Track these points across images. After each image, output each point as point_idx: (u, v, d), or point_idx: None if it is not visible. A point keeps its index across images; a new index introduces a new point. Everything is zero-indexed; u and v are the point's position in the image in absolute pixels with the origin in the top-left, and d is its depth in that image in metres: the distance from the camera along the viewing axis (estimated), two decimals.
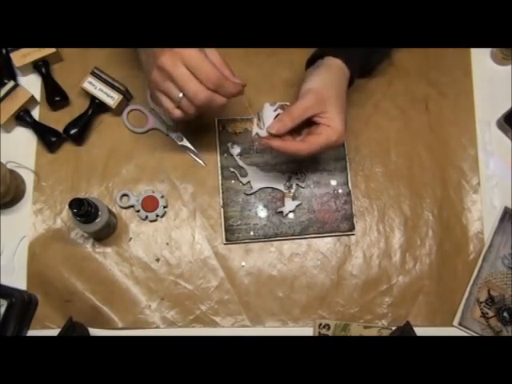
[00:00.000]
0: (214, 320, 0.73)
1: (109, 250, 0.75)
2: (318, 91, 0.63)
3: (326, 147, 0.63)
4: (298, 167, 0.77)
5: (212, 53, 0.59)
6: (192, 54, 0.56)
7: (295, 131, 0.65)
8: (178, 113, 0.61)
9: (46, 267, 0.73)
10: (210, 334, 0.73)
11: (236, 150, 0.77)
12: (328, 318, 0.74)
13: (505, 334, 0.73)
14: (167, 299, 0.74)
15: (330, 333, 0.73)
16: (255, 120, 0.65)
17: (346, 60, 0.66)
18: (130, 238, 0.75)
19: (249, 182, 0.76)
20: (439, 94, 0.81)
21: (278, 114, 0.64)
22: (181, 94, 0.58)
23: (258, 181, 0.76)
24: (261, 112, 0.65)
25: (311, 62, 0.69)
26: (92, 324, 0.72)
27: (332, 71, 0.65)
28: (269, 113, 0.65)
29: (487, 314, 0.74)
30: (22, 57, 0.76)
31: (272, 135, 0.63)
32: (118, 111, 0.77)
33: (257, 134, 0.64)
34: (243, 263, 0.75)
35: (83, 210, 0.63)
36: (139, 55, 0.62)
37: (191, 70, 0.57)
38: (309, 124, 0.64)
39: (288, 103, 0.66)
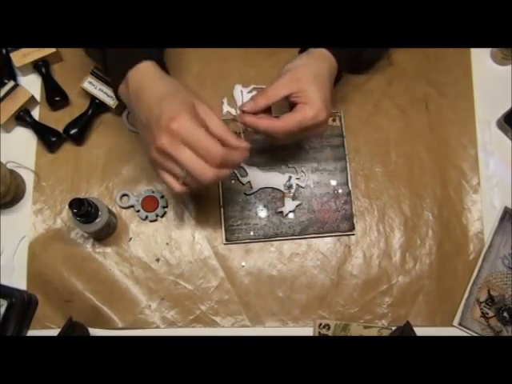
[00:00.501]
0: (214, 320, 0.73)
1: (109, 250, 0.75)
2: (294, 70, 0.63)
3: (304, 124, 0.62)
4: (298, 167, 0.77)
5: (210, 118, 0.55)
6: (191, 131, 0.53)
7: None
8: (182, 189, 0.57)
9: (45, 267, 0.73)
10: (210, 334, 0.73)
11: None
12: (328, 318, 0.74)
13: (505, 334, 0.73)
14: (167, 299, 0.74)
15: (330, 333, 0.73)
16: (225, 100, 0.64)
17: (330, 49, 0.65)
18: (130, 238, 0.75)
19: (249, 181, 0.76)
20: (439, 94, 0.81)
21: None
22: (183, 173, 0.55)
23: (257, 181, 0.76)
24: (234, 94, 0.64)
25: None
26: (92, 324, 0.72)
27: (313, 56, 0.65)
28: (240, 94, 0.64)
29: (487, 313, 0.74)
30: (22, 57, 0.76)
31: (244, 113, 0.62)
32: (118, 111, 0.77)
33: (228, 112, 0.64)
34: (243, 263, 0.75)
35: (83, 209, 0.63)
36: (137, 128, 0.59)
37: (193, 150, 0.53)
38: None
39: (264, 86, 0.65)
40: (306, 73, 0.63)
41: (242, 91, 0.64)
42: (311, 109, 0.61)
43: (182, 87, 0.58)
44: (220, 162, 0.54)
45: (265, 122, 0.62)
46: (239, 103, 0.63)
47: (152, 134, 0.55)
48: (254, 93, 0.64)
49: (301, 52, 0.69)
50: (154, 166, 0.58)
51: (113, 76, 0.62)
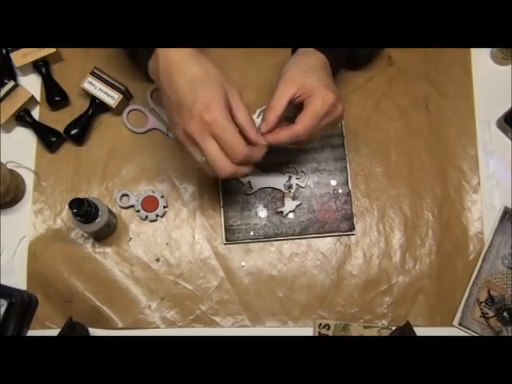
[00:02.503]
0: (214, 320, 0.73)
1: (109, 250, 0.75)
2: (286, 74, 0.62)
3: (319, 114, 0.60)
4: (298, 167, 0.77)
5: (238, 106, 0.57)
6: (222, 126, 0.54)
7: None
8: (200, 168, 0.60)
9: (45, 267, 0.73)
10: (210, 334, 0.73)
11: None
12: (328, 318, 0.74)
13: (505, 334, 0.73)
14: (167, 299, 0.74)
15: (330, 333, 0.73)
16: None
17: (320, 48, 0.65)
18: (130, 238, 0.75)
19: (249, 182, 0.76)
20: (439, 93, 0.81)
21: None
22: (204, 159, 0.57)
23: (258, 181, 0.76)
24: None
25: None
26: (92, 324, 0.72)
27: (301, 54, 0.65)
28: (257, 119, 0.65)
29: (487, 314, 0.74)
30: (22, 57, 0.76)
31: (264, 135, 0.62)
32: (118, 111, 0.77)
33: None
34: (243, 263, 0.75)
35: (83, 209, 0.64)
36: (163, 104, 0.60)
37: (220, 143, 0.55)
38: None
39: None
40: (296, 71, 0.62)
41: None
42: (316, 97, 0.60)
43: (214, 69, 0.58)
44: (241, 160, 0.56)
45: (285, 133, 0.61)
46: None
47: (182, 117, 0.56)
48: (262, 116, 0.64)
49: (293, 53, 0.69)
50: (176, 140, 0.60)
51: (141, 52, 0.61)
